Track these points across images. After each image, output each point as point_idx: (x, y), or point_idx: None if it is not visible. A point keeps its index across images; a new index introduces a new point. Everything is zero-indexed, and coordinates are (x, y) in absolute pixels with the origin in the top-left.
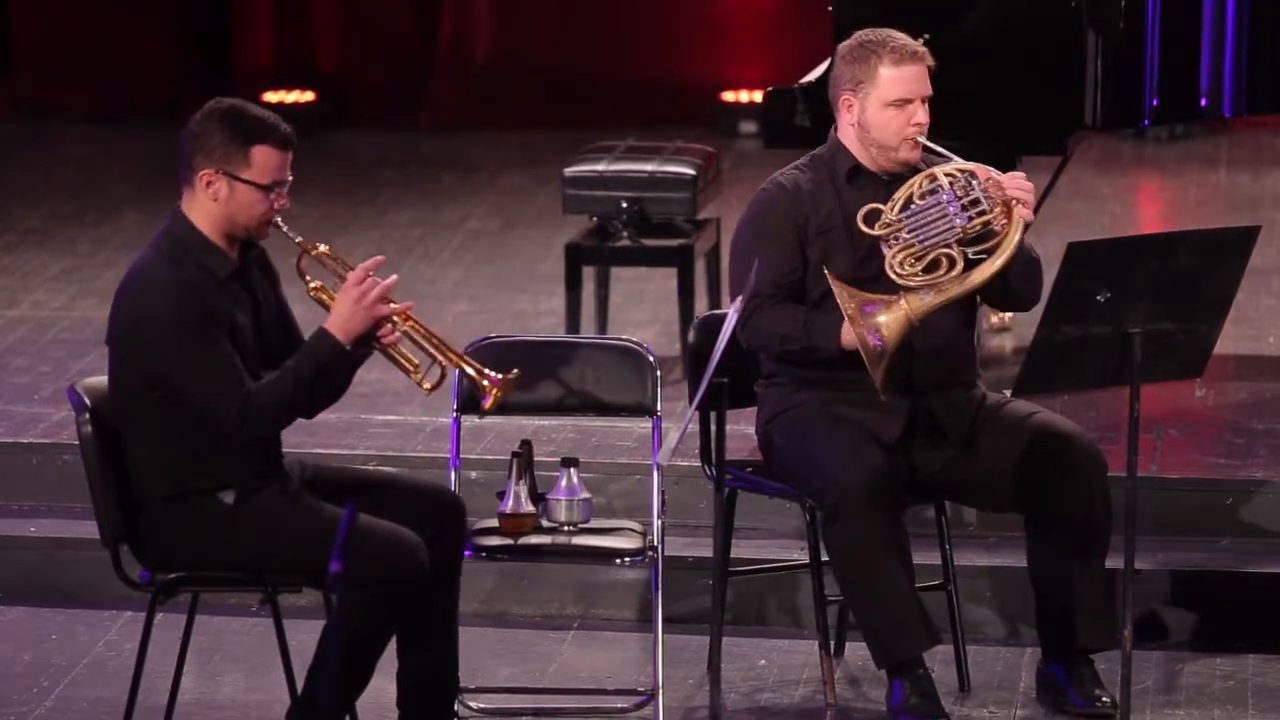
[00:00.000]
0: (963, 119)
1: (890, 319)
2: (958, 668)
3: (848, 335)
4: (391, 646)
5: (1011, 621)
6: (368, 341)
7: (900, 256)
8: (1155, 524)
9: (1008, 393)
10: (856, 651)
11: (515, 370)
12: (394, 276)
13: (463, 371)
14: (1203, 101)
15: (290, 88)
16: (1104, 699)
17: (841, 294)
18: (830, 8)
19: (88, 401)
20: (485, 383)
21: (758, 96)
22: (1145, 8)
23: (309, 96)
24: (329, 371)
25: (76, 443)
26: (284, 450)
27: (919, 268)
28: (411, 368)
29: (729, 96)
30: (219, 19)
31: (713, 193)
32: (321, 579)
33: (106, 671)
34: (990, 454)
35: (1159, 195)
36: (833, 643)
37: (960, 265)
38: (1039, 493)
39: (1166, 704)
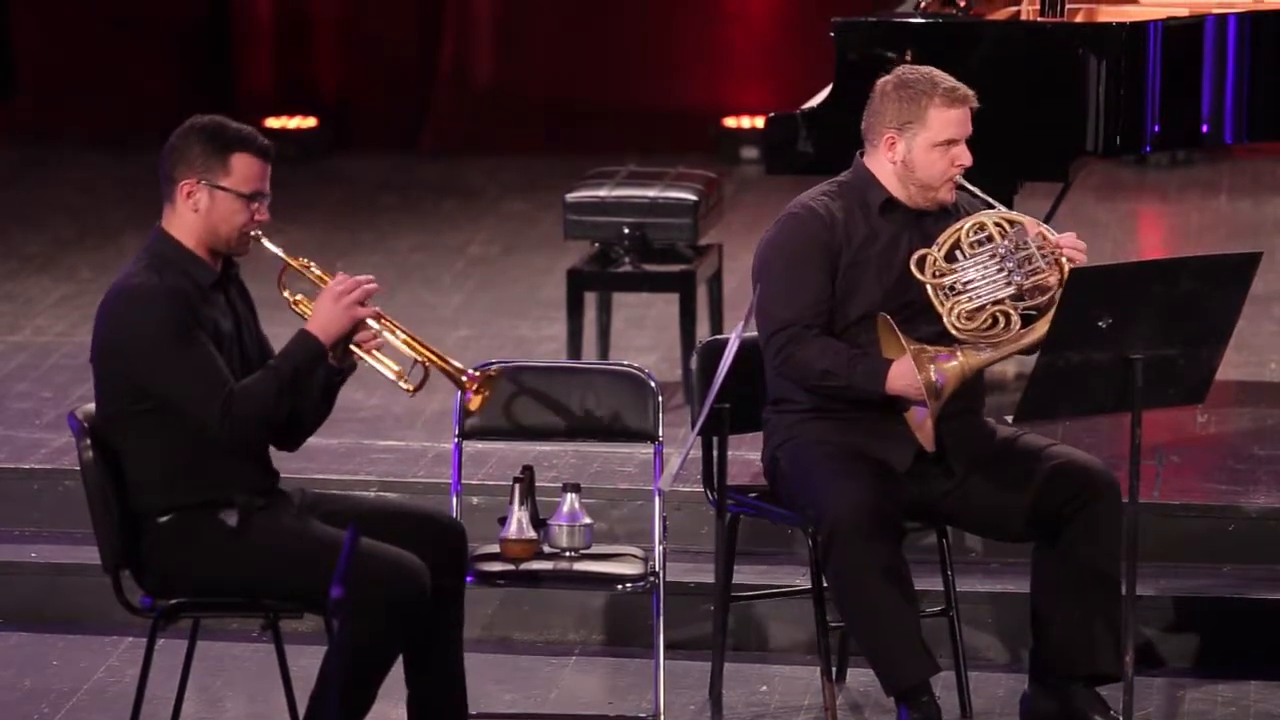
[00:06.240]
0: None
1: (948, 368)
2: (959, 693)
3: (894, 382)
4: (399, 676)
5: (1013, 647)
6: (348, 343)
7: (957, 310)
8: (1157, 550)
9: (1009, 418)
10: (858, 678)
11: (495, 367)
12: (372, 278)
13: (441, 370)
14: (1204, 128)
15: (291, 113)
16: None
17: (903, 338)
18: (832, 34)
19: (88, 427)
20: (464, 379)
21: (759, 122)
22: (1147, 34)
23: (310, 122)
24: (308, 371)
25: (77, 468)
26: (284, 477)
27: (979, 322)
28: (394, 374)
29: (730, 122)
30: (220, 44)
31: (714, 218)
32: (323, 604)
33: (108, 697)
34: (1004, 483)
35: (1160, 221)
36: (835, 669)
37: (1016, 323)
38: (1054, 522)
39: None
